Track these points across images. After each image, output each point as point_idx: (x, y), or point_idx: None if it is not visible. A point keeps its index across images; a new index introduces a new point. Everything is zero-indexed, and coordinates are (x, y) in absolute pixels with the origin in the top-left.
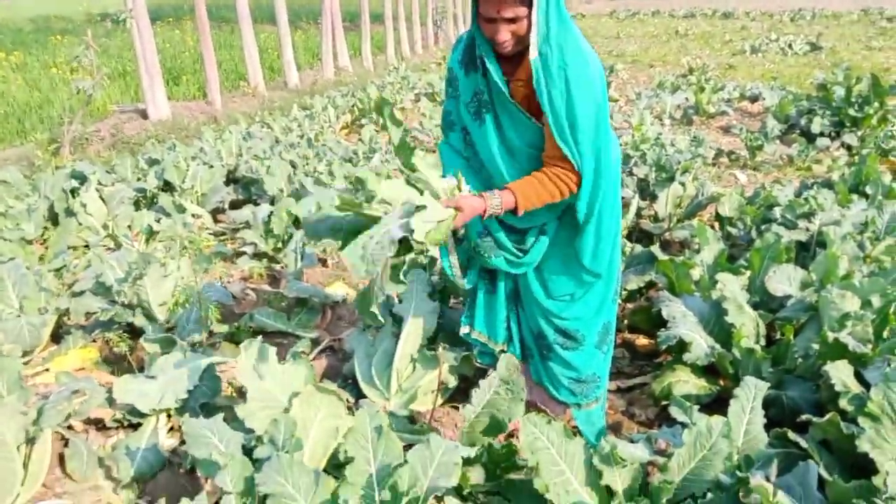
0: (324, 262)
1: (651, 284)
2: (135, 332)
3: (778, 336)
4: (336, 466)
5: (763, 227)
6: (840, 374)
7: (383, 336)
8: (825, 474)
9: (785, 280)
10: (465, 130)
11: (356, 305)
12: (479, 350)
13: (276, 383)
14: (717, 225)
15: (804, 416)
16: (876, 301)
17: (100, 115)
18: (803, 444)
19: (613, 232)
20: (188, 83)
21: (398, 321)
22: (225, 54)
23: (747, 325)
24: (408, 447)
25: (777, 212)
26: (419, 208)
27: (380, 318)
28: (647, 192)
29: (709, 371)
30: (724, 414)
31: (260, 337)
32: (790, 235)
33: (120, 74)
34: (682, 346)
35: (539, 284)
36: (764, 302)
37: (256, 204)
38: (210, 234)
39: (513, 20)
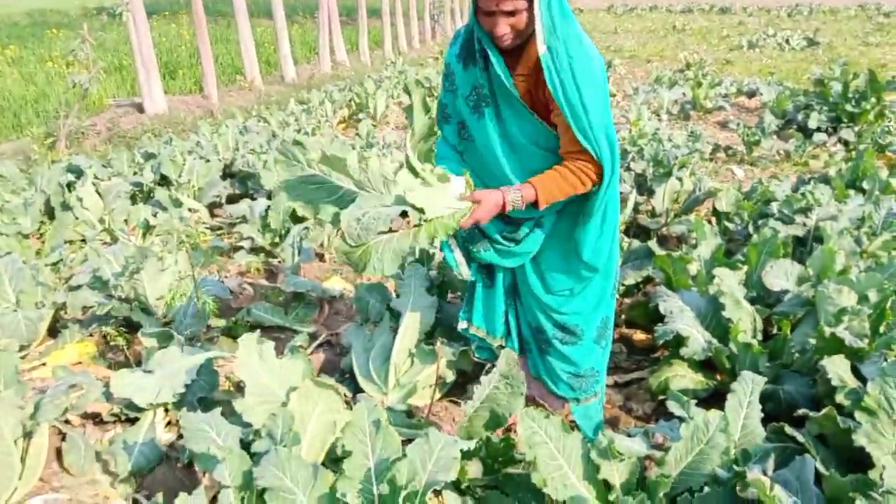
0: (321, 257)
1: (648, 279)
2: (132, 327)
3: (775, 331)
4: (334, 461)
5: (760, 222)
6: (837, 368)
7: (381, 331)
8: (822, 468)
9: (782, 275)
10: (461, 124)
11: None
12: (477, 345)
13: (274, 378)
14: (714, 220)
15: (801, 411)
16: (873, 296)
17: (96, 109)
18: (800, 438)
19: (614, 226)
20: (184, 77)
21: (396, 316)
22: (221, 48)
23: (744, 320)
24: (406, 442)
25: (774, 207)
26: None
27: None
28: (644, 187)
29: (706, 366)
30: (722, 408)
31: (258, 331)
32: (787, 230)
33: (116, 68)
34: (679, 340)
35: (538, 279)
36: (761, 297)
37: (253, 198)
38: (207, 228)
39: (512, 13)
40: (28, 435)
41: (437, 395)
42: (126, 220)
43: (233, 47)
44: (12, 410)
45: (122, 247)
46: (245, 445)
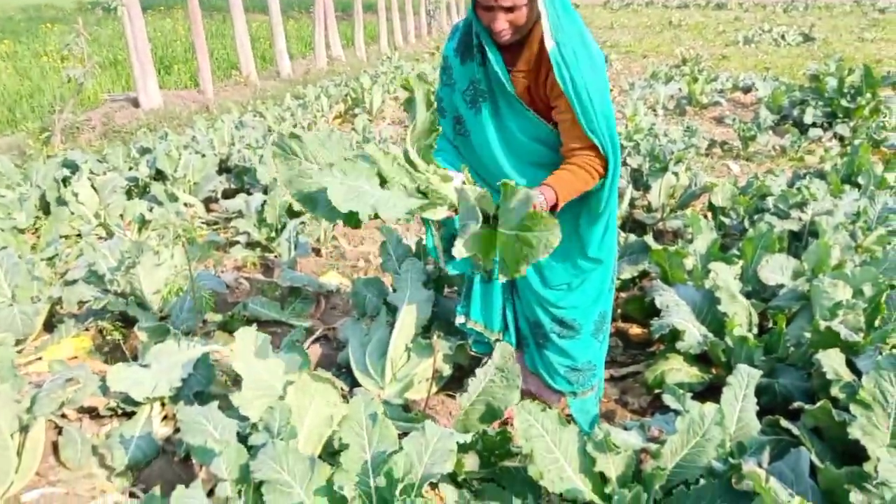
0: (317, 252)
1: (644, 274)
2: (128, 321)
3: (770, 325)
4: (331, 454)
5: (756, 216)
6: (832, 362)
7: (377, 325)
8: (817, 461)
9: (777, 269)
10: (457, 119)
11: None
12: (474, 339)
13: (271, 371)
14: (710, 215)
15: (796, 404)
16: (867, 290)
17: (91, 103)
18: (795, 431)
19: (615, 220)
20: (180, 72)
21: (392, 310)
22: (217, 43)
23: (740, 314)
24: (402, 435)
25: (770, 202)
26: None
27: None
28: (640, 182)
29: (701, 360)
30: (717, 402)
31: (254, 325)
32: (783, 225)
33: (111, 63)
34: (675, 334)
35: (536, 273)
36: (756, 291)
37: (249, 193)
38: (203, 223)
39: (510, 9)
40: (25, 429)
41: (434, 389)
42: (122, 215)
43: (228, 42)
44: (9, 404)
45: (117, 241)
46: (242, 439)
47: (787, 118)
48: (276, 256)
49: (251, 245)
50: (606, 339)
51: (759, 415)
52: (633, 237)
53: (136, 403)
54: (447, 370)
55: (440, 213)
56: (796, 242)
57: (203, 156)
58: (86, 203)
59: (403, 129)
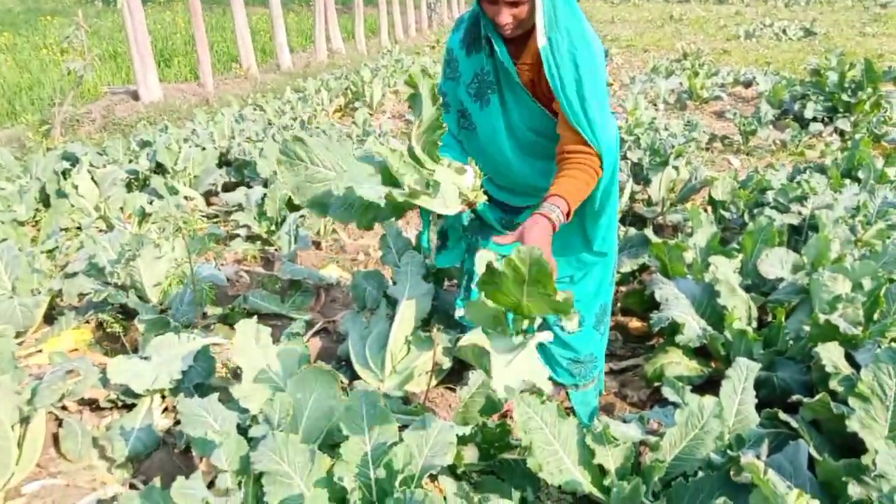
0: (317, 245)
1: (644, 267)
2: (128, 314)
3: (770, 318)
4: (331, 446)
5: (756, 210)
6: (831, 355)
7: (377, 318)
8: (815, 454)
9: (777, 263)
10: (462, 113)
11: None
12: None
13: (271, 364)
14: (710, 209)
15: (795, 397)
16: (867, 284)
17: (91, 96)
18: (794, 424)
19: (616, 213)
20: (180, 65)
21: (392, 303)
22: (217, 36)
23: (739, 308)
24: (402, 428)
25: (770, 196)
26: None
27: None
28: (640, 176)
29: (701, 353)
30: (716, 395)
31: (254, 318)
32: (783, 219)
33: (111, 56)
34: (674, 328)
35: None
36: (756, 285)
37: (249, 186)
38: (203, 216)
39: (514, 4)
40: (25, 420)
41: (434, 382)
42: (122, 208)
43: (228, 35)
44: (9, 396)
45: (118, 234)
46: (242, 431)
47: (787, 113)
48: (276, 250)
49: (251, 238)
50: (607, 331)
51: (758, 408)
52: (633, 231)
53: (137, 395)
54: (447, 363)
55: (453, 209)
56: (796, 236)
57: (203, 149)
58: (86, 196)
59: (404, 123)
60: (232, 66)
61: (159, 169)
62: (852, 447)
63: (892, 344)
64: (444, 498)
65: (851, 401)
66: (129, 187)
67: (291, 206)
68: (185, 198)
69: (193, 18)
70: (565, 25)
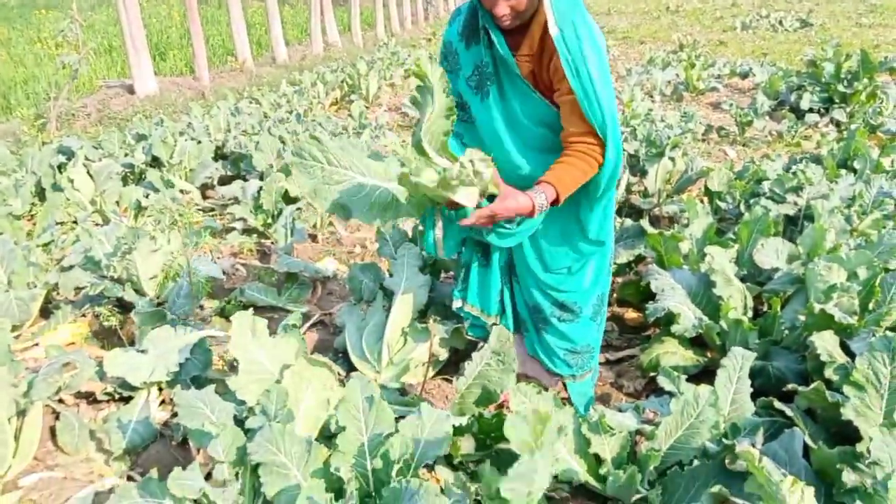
0: (314, 238)
1: (640, 258)
2: (124, 307)
3: (765, 308)
4: (327, 437)
5: (752, 201)
6: (826, 344)
7: (374, 310)
8: (810, 442)
9: (773, 253)
10: (460, 106)
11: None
12: (471, 323)
13: (268, 356)
14: (706, 199)
15: (790, 386)
16: (862, 273)
17: (86, 90)
18: (789, 412)
19: (613, 203)
20: (175, 58)
21: (389, 295)
22: (212, 29)
23: (735, 298)
24: (399, 419)
25: (766, 186)
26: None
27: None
28: (636, 167)
29: (696, 343)
30: (712, 384)
31: (251, 310)
32: (778, 209)
33: (106, 50)
34: (670, 318)
35: (536, 258)
36: (752, 275)
37: (245, 179)
38: (199, 209)
39: None
40: (22, 413)
41: (430, 373)
42: (118, 202)
43: (224, 28)
44: (6, 389)
45: (114, 227)
46: (239, 422)
47: (784, 103)
48: (272, 242)
49: (248, 231)
50: (603, 320)
51: (754, 397)
52: (629, 222)
53: (134, 388)
54: (443, 354)
55: (474, 200)
56: (792, 226)
57: (199, 142)
58: (81, 189)
59: (400, 116)
60: (227, 60)
61: (155, 162)
62: (847, 435)
63: (888, 333)
64: (441, 487)
65: (846, 389)
66: (124, 181)
67: (288, 199)
68: (181, 191)
69: (189, 12)
70: (571, 16)
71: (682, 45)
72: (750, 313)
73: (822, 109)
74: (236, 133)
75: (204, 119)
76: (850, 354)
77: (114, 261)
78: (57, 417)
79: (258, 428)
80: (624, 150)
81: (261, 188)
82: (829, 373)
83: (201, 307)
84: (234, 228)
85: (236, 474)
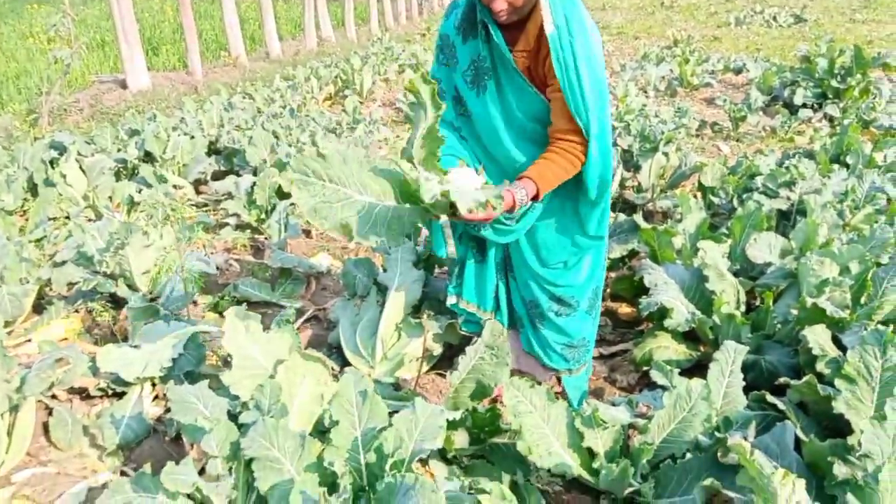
0: (308, 233)
1: (634, 253)
2: (117, 302)
3: (758, 302)
4: (321, 432)
5: (745, 196)
6: (818, 338)
7: (368, 305)
8: (802, 435)
9: (765, 248)
10: (456, 100)
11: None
12: (465, 319)
13: (261, 351)
14: (699, 195)
15: (782, 379)
16: (854, 267)
17: (79, 85)
18: (781, 406)
19: (609, 199)
20: (168, 53)
21: (383, 290)
22: (205, 24)
23: (728, 292)
24: (393, 414)
25: (759, 181)
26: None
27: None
28: (630, 162)
29: (689, 337)
30: (705, 378)
31: (244, 305)
32: (771, 204)
33: (98, 44)
34: (663, 312)
35: (533, 253)
36: (744, 269)
37: (238, 175)
38: (192, 205)
39: None
40: (14, 409)
41: (424, 368)
42: (110, 197)
43: (217, 23)
44: None
45: (106, 223)
46: (232, 417)
47: (777, 99)
48: (266, 238)
49: (241, 227)
50: (598, 314)
51: (746, 390)
52: (622, 217)
53: (127, 384)
54: (437, 349)
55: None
56: (784, 221)
57: (192, 137)
58: (74, 185)
59: (394, 112)
60: (221, 55)
61: (148, 157)
62: (838, 428)
63: (879, 326)
64: (435, 481)
65: (838, 382)
66: (117, 176)
67: (281, 195)
68: (174, 186)
69: (181, 6)
70: (568, 13)
71: (677, 41)
72: (742, 308)
73: (815, 105)
74: (229, 128)
75: (197, 114)
76: (842, 348)
77: (106, 256)
78: (50, 413)
79: (252, 423)
80: (617, 146)
81: (254, 183)
82: (820, 366)
83: (195, 303)
84: (227, 224)
85: (230, 469)
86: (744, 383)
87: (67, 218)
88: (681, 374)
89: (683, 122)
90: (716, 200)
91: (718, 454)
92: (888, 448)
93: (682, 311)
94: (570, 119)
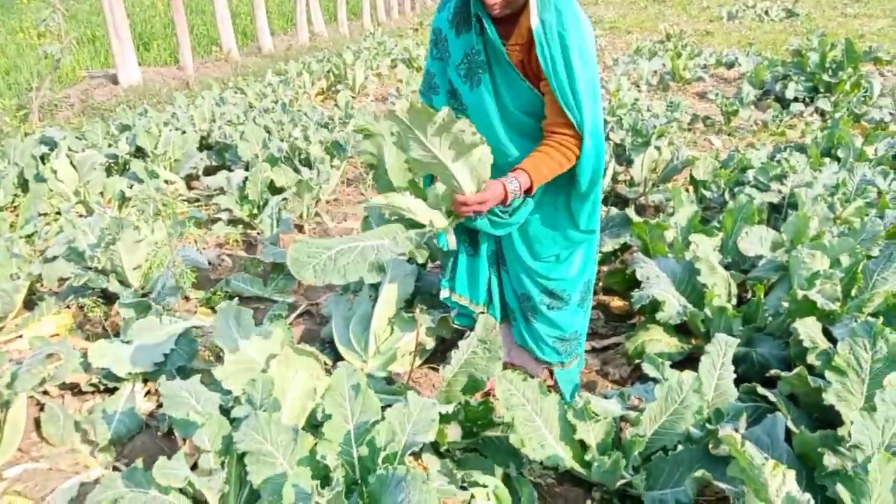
0: (300, 228)
1: (626, 247)
2: (109, 298)
3: (749, 295)
4: (314, 426)
5: (736, 189)
6: (808, 330)
7: (361, 300)
8: (792, 426)
9: (757, 241)
10: (451, 94)
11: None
12: (457, 312)
13: (254, 345)
14: (691, 188)
15: (773, 372)
16: (845, 260)
17: (69, 80)
18: (772, 397)
19: (600, 193)
20: (159, 48)
21: (375, 285)
22: (197, 19)
23: (719, 285)
24: (386, 408)
25: (750, 174)
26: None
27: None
28: (623, 156)
29: (681, 330)
30: (696, 371)
31: (236, 300)
32: (763, 197)
33: (89, 40)
34: (655, 305)
35: (525, 246)
36: (736, 262)
37: (231, 170)
38: (184, 200)
39: None
40: (6, 405)
41: (417, 362)
42: (102, 193)
43: (208, 18)
44: None
45: (97, 218)
46: (225, 412)
47: (769, 93)
48: (258, 233)
49: (233, 222)
50: (590, 307)
51: (737, 383)
52: (615, 211)
53: (119, 379)
54: (430, 343)
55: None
56: (776, 214)
57: (183, 132)
58: (65, 180)
59: (387, 106)
60: (212, 50)
61: (139, 153)
62: (829, 420)
63: (869, 318)
64: (427, 474)
65: (828, 374)
66: (108, 172)
67: (273, 190)
68: (166, 182)
69: (173, 1)
70: (556, 5)
71: (669, 35)
72: (734, 300)
73: (806, 99)
74: (221, 123)
75: (188, 109)
76: (833, 340)
77: (98, 252)
78: (41, 409)
79: (244, 417)
80: (609, 140)
81: (246, 178)
82: (811, 358)
83: (187, 298)
84: (219, 219)
85: (222, 463)
86: (735, 375)
87: (58, 213)
88: (672, 366)
89: (675, 116)
90: (707, 194)
91: (710, 446)
92: (878, 439)
93: (673, 304)
94: (562, 113)
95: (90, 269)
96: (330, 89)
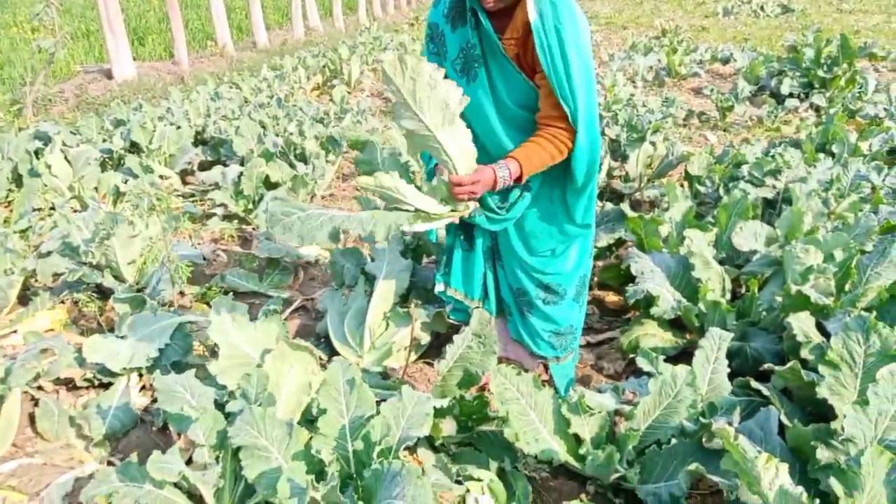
0: None
1: (621, 242)
2: (104, 293)
3: (743, 290)
4: (309, 421)
5: (731, 185)
6: (802, 324)
7: (356, 294)
8: (786, 420)
9: (751, 236)
10: None
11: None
12: (452, 307)
13: (248, 340)
14: (686, 184)
15: (767, 366)
16: (839, 255)
17: (63, 75)
18: (765, 391)
19: (596, 187)
20: (154, 43)
21: (371, 280)
22: (191, 14)
23: (713, 280)
24: (381, 403)
25: (745, 170)
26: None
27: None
28: (618, 152)
29: (675, 325)
30: (690, 365)
31: (230, 295)
32: (757, 192)
33: (84, 34)
34: (649, 300)
35: (521, 241)
36: (730, 257)
37: (226, 165)
38: (179, 195)
39: None
40: (0, 400)
41: (412, 357)
42: (96, 188)
43: (203, 13)
44: None
45: (92, 213)
46: (219, 406)
47: (764, 89)
48: (253, 228)
49: (228, 217)
50: (585, 301)
51: (731, 377)
52: (610, 206)
53: (114, 374)
54: (425, 338)
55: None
56: (770, 209)
57: (178, 127)
58: (59, 175)
59: (382, 102)
60: (207, 44)
61: (134, 148)
62: (822, 413)
63: (863, 313)
64: (422, 469)
65: (822, 368)
66: (103, 167)
67: (268, 185)
68: (161, 177)
69: None
70: (551, 0)
71: (665, 31)
72: (728, 295)
73: (801, 94)
74: (216, 118)
75: (183, 104)
76: (826, 335)
77: (92, 247)
78: (36, 404)
79: (239, 412)
80: (604, 135)
81: (241, 173)
82: (805, 353)
83: (182, 293)
84: (214, 214)
85: (217, 458)
86: (729, 370)
87: (53, 209)
88: (667, 361)
89: (671, 111)
90: (702, 189)
91: (703, 439)
92: (870, 432)
93: (668, 299)
94: (557, 106)
95: (84, 264)
96: (325, 84)
